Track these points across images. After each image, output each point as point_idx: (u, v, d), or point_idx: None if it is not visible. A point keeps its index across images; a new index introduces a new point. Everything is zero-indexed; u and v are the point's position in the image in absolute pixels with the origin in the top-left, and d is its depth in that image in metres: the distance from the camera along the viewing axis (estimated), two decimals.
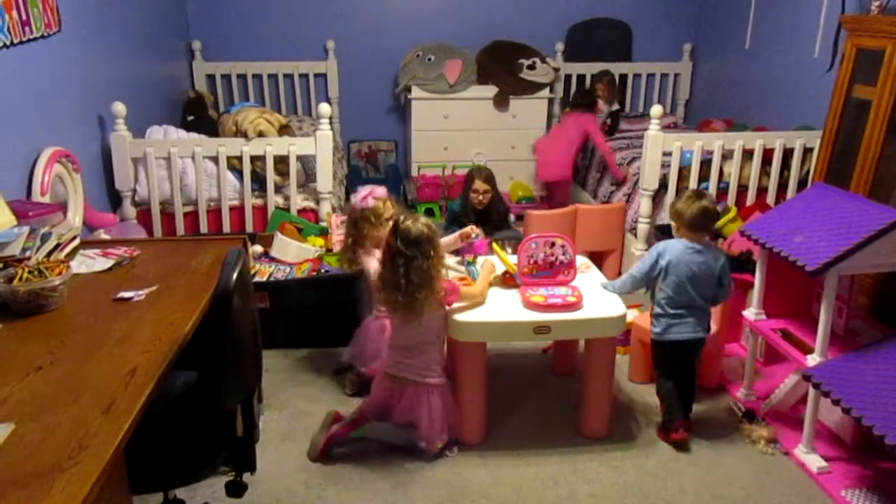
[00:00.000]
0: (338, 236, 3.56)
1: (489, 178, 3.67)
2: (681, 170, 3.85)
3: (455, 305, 2.48)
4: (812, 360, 2.46)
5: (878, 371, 2.27)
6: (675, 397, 2.63)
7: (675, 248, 2.57)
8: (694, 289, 2.55)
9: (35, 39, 2.81)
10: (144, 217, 3.67)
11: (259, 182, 3.77)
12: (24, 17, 2.72)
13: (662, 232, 3.71)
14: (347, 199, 5.01)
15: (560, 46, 5.45)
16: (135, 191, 3.64)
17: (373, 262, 2.65)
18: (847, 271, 2.41)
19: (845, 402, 2.19)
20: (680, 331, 2.59)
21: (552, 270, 2.65)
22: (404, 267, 2.33)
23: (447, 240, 2.78)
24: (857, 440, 2.57)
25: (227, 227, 3.75)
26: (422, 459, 2.53)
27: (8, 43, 2.61)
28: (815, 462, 2.49)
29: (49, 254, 2.15)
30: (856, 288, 2.72)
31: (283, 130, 3.82)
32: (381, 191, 2.82)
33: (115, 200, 3.64)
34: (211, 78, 5.20)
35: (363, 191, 2.79)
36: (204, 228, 3.73)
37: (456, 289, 2.45)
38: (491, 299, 2.61)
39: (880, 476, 2.45)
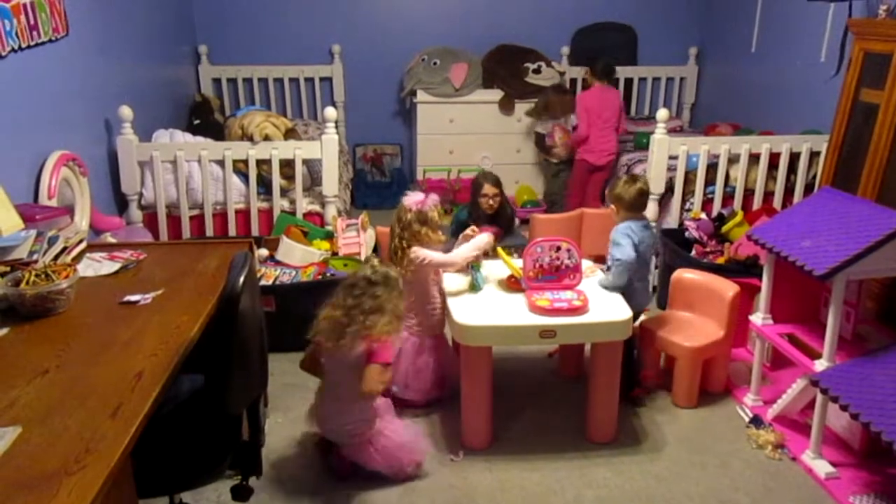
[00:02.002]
0: (343, 240, 3.56)
1: (497, 182, 3.66)
2: (687, 173, 3.84)
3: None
4: (819, 364, 2.45)
5: (886, 376, 2.26)
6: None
7: (636, 229, 2.79)
8: (646, 260, 2.91)
9: (43, 44, 2.83)
10: (150, 220, 3.68)
11: (265, 185, 3.77)
12: (32, 22, 2.73)
13: (667, 236, 3.70)
14: (353, 202, 5.03)
15: (566, 50, 5.46)
16: (141, 194, 3.65)
17: (423, 250, 2.68)
18: (855, 276, 2.40)
19: (853, 407, 2.17)
20: (639, 301, 2.82)
21: (558, 274, 2.65)
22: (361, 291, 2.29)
23: (458, 252, 2.77)
24: (865, 446, 2.55)
25: (232, 231, 3.75)
26: (428, 465, 2.52)
27: (16, 47, 2.62)
28: (822, 468, 2.48)
29: (56, 257, 2.16)
30: (864, 292, 2.70)
31: (289, 134, 3.83)
32: (435, 197, 2.83)
33: (121, 204, 3.66)
34: (217, 82, 5.22)
35: (417, 195, 2.78)
36: (210, 232, 3.74)
37: (388, 352, 2.31)
38: (497, 303, 2.60)
39: (889, 482, 2.43)
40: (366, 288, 2.28)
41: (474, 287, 2.70)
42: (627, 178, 2.94)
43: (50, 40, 2.88)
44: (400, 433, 2.47)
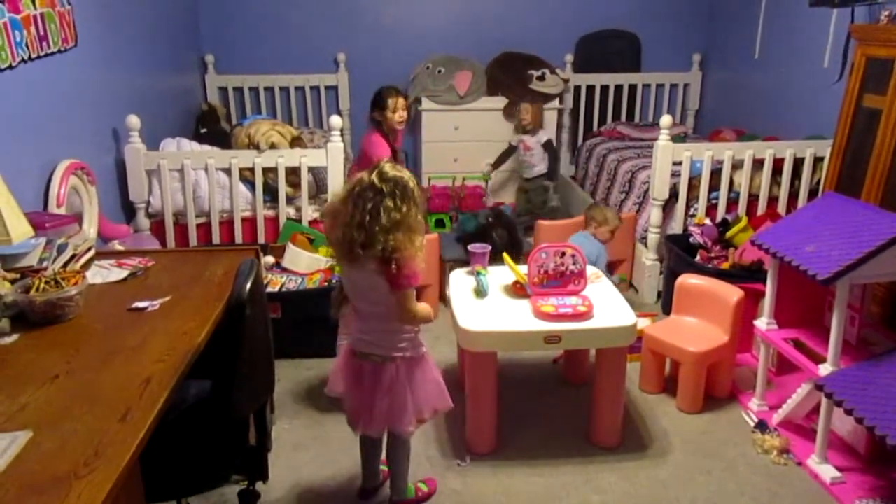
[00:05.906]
0: None
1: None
2: (691, 179, 3.85)
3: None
4: (824, 369, 2.45)
5: (891, 380, 2.26)
6: None
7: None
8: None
9: (52, 54, 2.87)
10: (158, 228, 3.71)
11: (271, 193, 3.80)
12: (41, 33, 2.77)
13: (672, 241, 3.71)
14: None
15: (570, 58, 5.47)
16: (148, 202, 3.68)
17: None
18: (859, 280, 2.40)
19: (858, 411, 2.17)
20: None
21: (562, 280, 2.66)
22: (372, 203, 1.95)
23: None
24: (870, 450, 2.55)
25: (239, 238, 3.78)
26: (433, 470, 2.53)
27: (26, 58, 2.66)
28: (828, 472, 2.48)
29: (65, 264, 2.18)
30: (868, 297, 2.70)
31: (295, 142, 3.86)
32: None
33: (129, 212, 3.69)
34: (223, 91, 5.25)
35: None
36: (217, 239, 3.76)
37: (417, 277, 2.01)
38: (502, 308, 2.61)
39: (895, 486, 2.43)
40: (374, 198, 1.95)
41: (479, 292, 2.71)
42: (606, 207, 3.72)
43: (59, 51, 2.92)
44: (437, 371, 2.25)
